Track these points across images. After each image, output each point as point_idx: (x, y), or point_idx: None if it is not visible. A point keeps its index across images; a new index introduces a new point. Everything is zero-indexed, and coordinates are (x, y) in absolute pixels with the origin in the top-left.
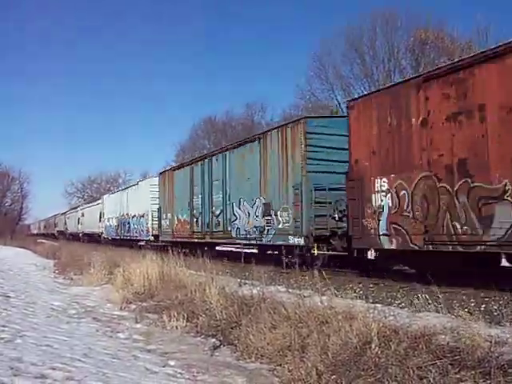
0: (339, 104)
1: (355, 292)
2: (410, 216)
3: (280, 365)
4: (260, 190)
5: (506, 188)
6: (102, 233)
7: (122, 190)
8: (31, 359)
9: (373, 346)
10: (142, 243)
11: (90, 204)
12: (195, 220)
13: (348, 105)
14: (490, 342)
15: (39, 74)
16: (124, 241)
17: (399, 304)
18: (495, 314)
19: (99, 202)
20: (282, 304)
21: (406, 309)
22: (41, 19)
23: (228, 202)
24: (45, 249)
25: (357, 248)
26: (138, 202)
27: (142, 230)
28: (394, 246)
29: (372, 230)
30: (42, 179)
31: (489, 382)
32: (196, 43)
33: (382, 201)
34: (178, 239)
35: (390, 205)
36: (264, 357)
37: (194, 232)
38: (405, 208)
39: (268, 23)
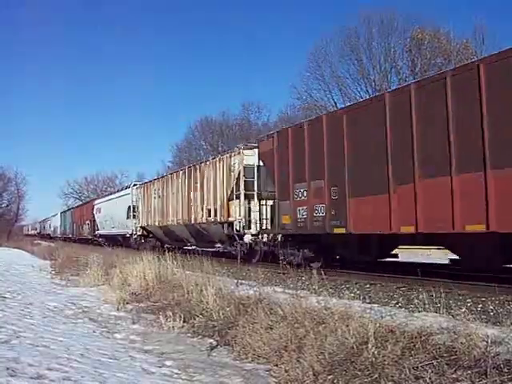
0: (335, 104)
1: (352, 292)
2: None
3: (277, 365)
4: None
5: None
6: (51, 233)
7: (54, 215)
8: (28, 360)
9: (369, 346)
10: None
11: (49, 218)
12: (68, 229)
13: None
14: (487, 341)
15: (37, 74)
16: (55, 237)
17: (396, 304)
18: (491, 313)
19: (52, 219)
20: (279, 304)
21: (402, 309)
22: (40, 23)
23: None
24: (41, 250)
25: None
26: (56, 221)
27: (60, 233)
28: None
29: None
30: (39, 180)
31: (485, 381)
32: (192, 44)
33: None
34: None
35: None
36: (261, 357)
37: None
38: None
39: (265, 23)
